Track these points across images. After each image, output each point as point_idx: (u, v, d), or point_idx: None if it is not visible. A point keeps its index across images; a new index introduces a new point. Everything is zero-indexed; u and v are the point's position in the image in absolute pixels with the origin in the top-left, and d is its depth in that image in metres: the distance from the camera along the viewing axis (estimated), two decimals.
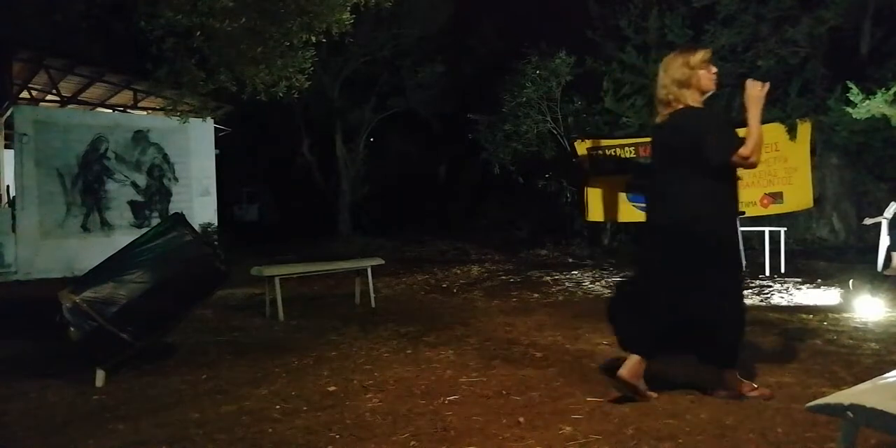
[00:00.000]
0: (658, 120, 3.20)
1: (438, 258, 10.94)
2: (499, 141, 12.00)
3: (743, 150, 2.86)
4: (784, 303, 5.76)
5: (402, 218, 17.54)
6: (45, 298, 4.03)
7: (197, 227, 7.51)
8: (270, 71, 6.63)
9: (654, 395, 3.04)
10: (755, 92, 2.96)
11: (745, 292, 3.18)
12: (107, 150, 10.78)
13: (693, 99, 3.02)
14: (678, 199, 3.03)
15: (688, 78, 3.00)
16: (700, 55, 3.01)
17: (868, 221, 7.44)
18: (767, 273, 7.27)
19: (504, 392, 3.26)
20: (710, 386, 3.10)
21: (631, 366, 2.99)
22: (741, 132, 2.98)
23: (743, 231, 7.93)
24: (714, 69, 3.05)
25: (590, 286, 7.19)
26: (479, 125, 12.50)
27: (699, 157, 2.91)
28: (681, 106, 3.03)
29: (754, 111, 2.93)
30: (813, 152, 8.83)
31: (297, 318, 5.64)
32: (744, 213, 7.90)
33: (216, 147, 12.15)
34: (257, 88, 6.84)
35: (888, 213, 7.04)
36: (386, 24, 14.00)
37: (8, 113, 10.68)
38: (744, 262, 3.16)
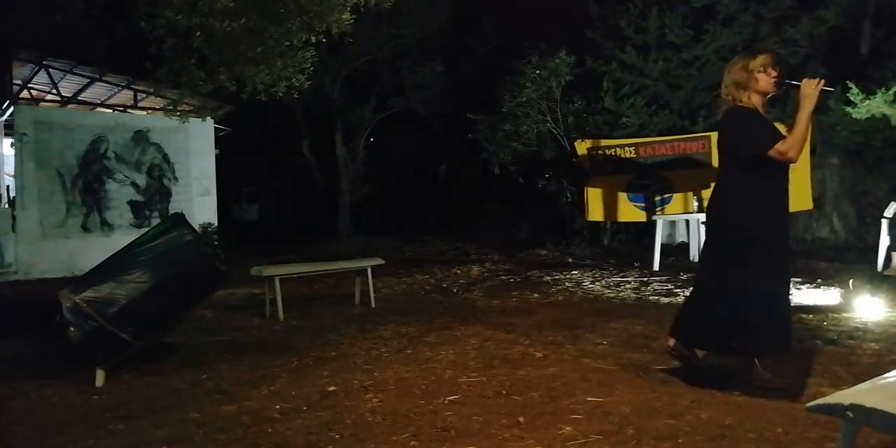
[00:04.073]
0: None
1: (438, 258, 10.94)
2: (499, 141, 12.00)
3: (780, 145, 2.99)
4: None
5: (402, 218, 17.53)
6: (45, 298, 4.02)
7: (197, 227, 7.51)
8: (270, 71, 6.64)
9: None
10: (809, 90, 3.03)
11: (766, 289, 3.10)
12: (107, 150, 10.78)
13: (749, 100, 3.15)
14: (716, 192, 3.27)
15: (745, 80, 3.14)
16: (759, 60, 3.13)
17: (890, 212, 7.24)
18: None
19: (504, 392, 3.26)
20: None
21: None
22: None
23: None
24: (774, 73, 3.13)
25: (590, 286, 7.19)
26: (479, 125, 12.50)
27: (735, 153, 3.13)
28: (734, 105, 3.18)
29: (805, 108, 3.03)
30: (813, 152, 8.83)
31: (297, 318, 5.64)
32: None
33: (216, 147, 12.15)
34: (257, 88, 6.85)
35: (888, 213, 7.04)
36: (386, 24, 14.00)
37: (8, 113, 10.68)
38: (779, 258, 3.13)
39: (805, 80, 3.06)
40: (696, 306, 3.33)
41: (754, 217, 3.09)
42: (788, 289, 3.21)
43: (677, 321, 3.39)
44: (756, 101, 3.16)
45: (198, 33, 6.14)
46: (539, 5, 13.99)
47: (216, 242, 10.81)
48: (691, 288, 3.64)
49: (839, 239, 10.32)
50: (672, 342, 3.36)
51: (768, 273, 3.07)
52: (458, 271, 8.89)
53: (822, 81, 3.02)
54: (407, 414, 2.97)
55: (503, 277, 8.17)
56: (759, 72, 3.11)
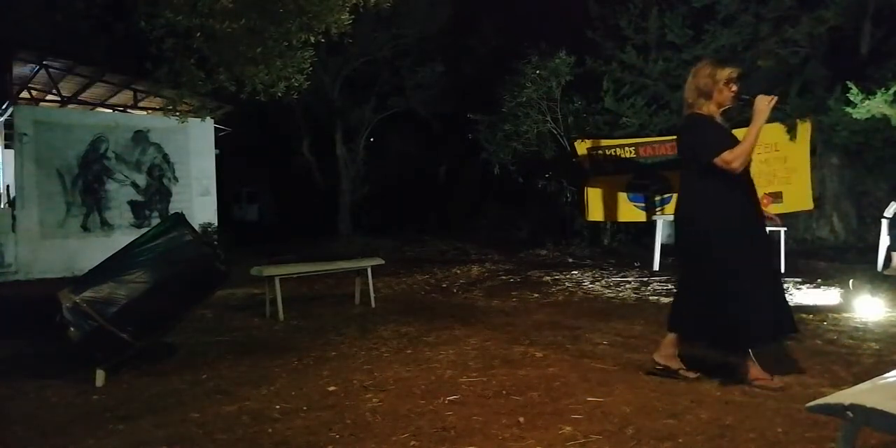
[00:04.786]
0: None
1: (438, 258, 10.94)
2: (499, 141, 12.00)
3: (727, 154, 3.09)
4: None
5: (402, 218, 17.53)
6: (45, 298, 4.02)
7: (197, 227, 7.50)
8: (269, 71, 6.64)
9: (692, 374, 3.31)
10: (762, 105, 3.14)
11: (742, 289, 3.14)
12: (107, 150, 10.78)
13: (708, 109, 3.26)
14: (681, 196, 3.42)
15: (709, 89, 3.23)
16: (727, 72, 3.22)
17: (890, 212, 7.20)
18: None
19: (504, 392, 3.26)
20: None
21: (663, 347, 3.38)
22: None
23: None
24: (735, 88, 3.23)
25: (590, 286, 7.19)
26: (479, 125, 12.50)
27: (694, 158, 3.25)
28: (693, 112, 3.29)
29: (756, 123, 3.13)
30: (813, 152, 8.84)
31: (297, 318, 5.64)
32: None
33: (216, 147, 12.14)
34: (256, 88, 6.85)
35: (888, 213, 7.03)
36: (386, 24, 14.00)
37: (8, 113, 10.68)
38: (744, 257, 3.17)
39: (759, 97, 3.16)
40: (681, 301, 3.46)
41: (715, 219, 3.18)
42: (751, 286, 3.15)
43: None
44: (713, 109, 3.26)
45: (198, 33, 6.14)
46: (539, 5, 13.99)
47: (216, 242, 10.80)
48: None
49: (839, 239, 10.31)
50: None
51: (735, 272, 3.13)
52: (458, 271, 8.89)
53: (775, 99, 3.15)
54: (407, 414, 2.97)
55: (503, 277, 8.17)
56: (724, 84, 3.21)
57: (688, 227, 3.30)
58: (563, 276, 8.03)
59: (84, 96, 11.93)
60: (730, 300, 3.12)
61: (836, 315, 5.02)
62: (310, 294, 7.24)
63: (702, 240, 3.21)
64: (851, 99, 7.92)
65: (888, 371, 1.85)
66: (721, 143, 3.14)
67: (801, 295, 6.11)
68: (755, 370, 3.17)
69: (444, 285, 7.68)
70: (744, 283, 3.12)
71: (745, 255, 3.15)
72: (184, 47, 6.44)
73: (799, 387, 3.18)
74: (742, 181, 3.21)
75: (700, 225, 3.22)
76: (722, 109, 3.30)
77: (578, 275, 8.15)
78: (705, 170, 3.17)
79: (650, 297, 6.28)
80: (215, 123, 12.00)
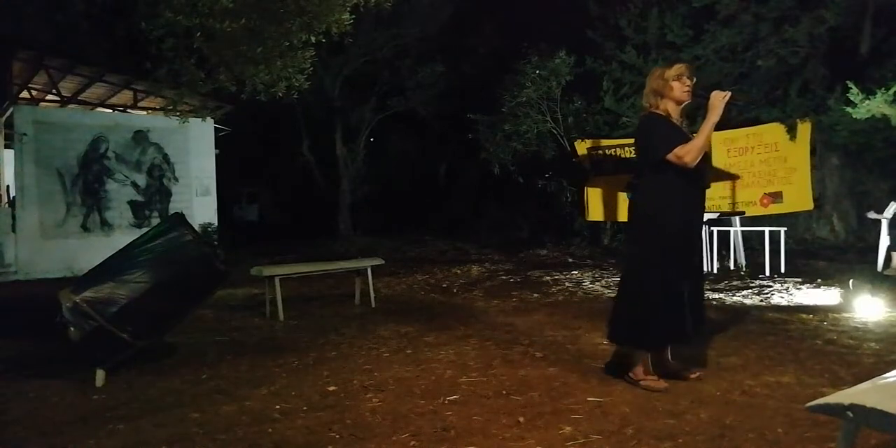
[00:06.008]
0: None
1: (438, 258, 10.94)
2: (499, 141, 12.00)
3: (679, 149, 3.13)
4: (784, 303, 5.77)
5: (402, 218, 17.54)
6: (45, 298, 4.02)
7: (197, 227, 7.51)
8: (270, 71, 6.65)
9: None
10: (716, 102, 3.20)
11: (671, 289, 3.20)
12: (107, 150, 10.78)
13: (665, 108, 3.32)
14: (635, 193, 3.40)
15: (661, 88, 3.30)
16: (674, 69, 3.30)
17: (872, 215, 7.32)
18: (767, 273, 7.26)
19: (504, 392, 3.26)
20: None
21: (636, 365, 3.30)
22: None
23: (743, 231, 7.95)
24: (688, 82, 3.28)
25: (590, 286, 7.19)
26: (479, 125, 12.50)
27: (646, 157, 3.30)
28: (649, 112, 3.35)
29: (710, 118, 3.19)
30: (813, 152, 8.84)
31: (297, 318, 5.64)
32: (743, 212, 7.92)
33: (216, 147, 12.15)
34: (257, 88, 6.85)
35: (888, 213, 7.03)
36: (386, 24, 14.00)
37: (8, 113, 10.68)
38: (688, 258, 3.29)
39: (714, 93, 3.22)
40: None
41: (673, 216, 3.21)
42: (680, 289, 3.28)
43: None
44: (671, 108, 3.32)
45: (198, 33, 6.14)
46: (539, 5, 13.98)
47: (216, 242, 10.81)
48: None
49: (839, 239, 10.31)
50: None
51: (682, 268, 3.22)
52: (458, 271, 8.89)
53: (729, 94, 3.20)
54: (407, 414, 2.97)
55: (503, 277, 8.17)
56: (673, 80, 3.27)
57: (639, 226, 3.33)
58: (563, 276, 8.03)
59: (84, 96, 11.93)
60: (660, 300, 3.19)
61: (836, 315, 5.01)
62: (310, 294, 7.24)
63: (651, 239, 3.23)
64: (851, 99, 7.91)
65: (888, 371, 1.85)
66: (675, 139, 3.18)
67: (801, 295, 6.10)
68: (641, 369, 3.26)
69: (444, 285, 7.68)
70: (675, 286, 3.18)
71: (683, 259, 3.23)
72: (184, 47, 6.44)
73: (799, 387, 3.18)
74: (698, 179, 3.28)
75: (653, 226, 3.24)
76: (681, 107, 3.35)
77: (578, 275, 8.14)
78: (662, 167, 3.20)
79: None
80: (215, 123, 12.00)
